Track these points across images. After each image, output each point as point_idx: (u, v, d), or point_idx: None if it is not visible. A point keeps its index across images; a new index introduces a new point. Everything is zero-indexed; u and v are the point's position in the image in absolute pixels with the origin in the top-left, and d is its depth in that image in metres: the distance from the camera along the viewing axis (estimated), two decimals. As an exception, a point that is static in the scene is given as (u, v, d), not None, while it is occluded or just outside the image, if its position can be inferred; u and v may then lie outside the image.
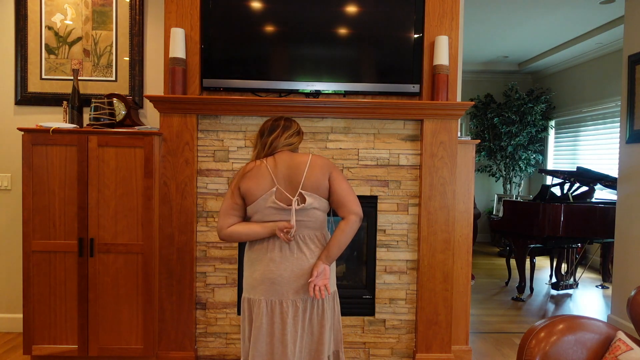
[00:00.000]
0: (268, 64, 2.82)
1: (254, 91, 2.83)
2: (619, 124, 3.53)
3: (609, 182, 4.52)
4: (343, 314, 2.83)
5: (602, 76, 5.76)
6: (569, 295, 4.55)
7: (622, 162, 3.44)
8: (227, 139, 2.79)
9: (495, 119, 6.52)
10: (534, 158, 6.68)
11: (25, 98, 3.13)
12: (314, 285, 1.84)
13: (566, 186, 4.70)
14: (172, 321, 2.76)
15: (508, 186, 6.85)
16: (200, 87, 2.79)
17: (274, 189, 1.85)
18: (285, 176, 1.87)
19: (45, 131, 2.58)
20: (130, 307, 2.67)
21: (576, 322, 1.74)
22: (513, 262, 4.81)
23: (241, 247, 2.80)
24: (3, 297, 3.22)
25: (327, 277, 1.87)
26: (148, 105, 3.09)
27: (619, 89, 4.04)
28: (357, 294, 2.91)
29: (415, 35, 2.80)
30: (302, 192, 1.85)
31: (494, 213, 6.86)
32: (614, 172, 4.61)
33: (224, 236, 1.90)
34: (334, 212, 1.96)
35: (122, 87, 3.12)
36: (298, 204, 1.84)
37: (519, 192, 6.90)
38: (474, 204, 3.83)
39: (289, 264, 1.86)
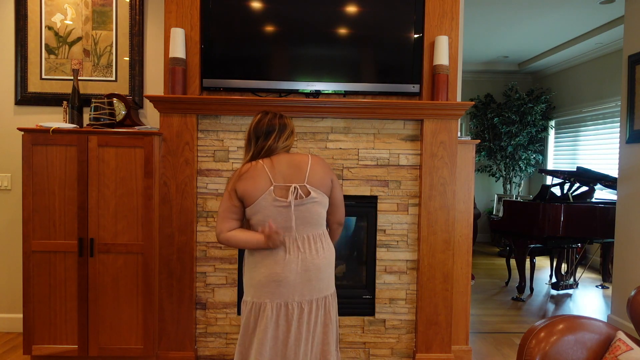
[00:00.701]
0: (268, 64, 2.83)
1: (254, 91, 2.83)
2: (619, 124, 3.53)
3: (609, 182, 4.52)
4: (343, 314, 2.83)
5: (602, 76, 5.76)
6: (569, 295, 4.55)
7: (622, 162, 3.44)
8: (227, 139, 2.79)
9: (495, 119, 6.52)
10: (534, 158, 6.68)
11: (25, 98, 3.13)
12: None
13: (566, 186, 4.70)
14: (172, 321, 2.76)
15: (508, 186, 6.85)
16: (200, 87, 2.79)
17: (272, 187, 1.82)
18: (285, 175, 1.84)
19: (45, 131, 2.58)
20: (130, 307, 2.67)
21: (576, 322, 1.74)
22: (513, 262, 4.81)
23: (241, 247, 2.80)
24: (3, 297, 3.22)
25: None
26: (148, 105, 3.09)
27: (619, 89, 4.03)
28: (357, 294, 2.91)
29: (415, 35, 2.80)
30: (307, 185, 1.84)
31: (494, 213, 6.86)
32: (614, 172, 4.61)
33: (223, 240, 1.87)
34: None
35: (122, 87, 3.12)
36: (297, 196, 1.82)
37: (519, 192, 6.90)
38: (474, 204, 3.83)
39: (293, 265, 1.84)
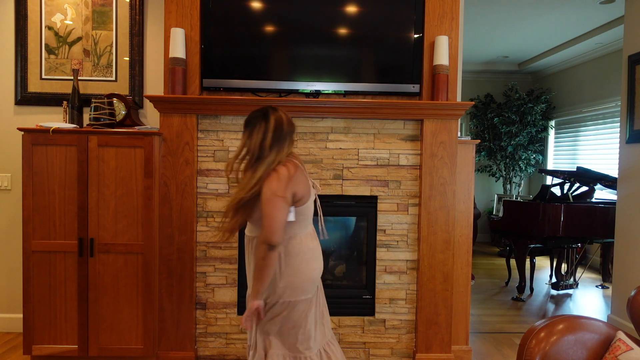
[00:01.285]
0: (268, 64, 2.82)
1: (254, 91, 2.83)
2: (619, 124, 3.53)
3: (609, 182, 4.52)
4: (343, 314, 2.85)
5: (602, 76, 5.76)
6: (569, 295, 4.55)
7: (622, 162, 3.44)
8: (227, 139, 2.79)
9: (495, 119, 6.52)
10: (534, 158, 6.68)
11: (25, 98, 3.13)
12: None
13: (566, 186, 4.70)
14: (172, 321, 2.76)
15: (508, 186, 6.85)
16: (200, 87, 2.79)
17: (311, 184, 1.95)
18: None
19: (45, 131, 2.58)
20: (130, 307, 2.67)
21: (576, 322, 1.74)
22: (513, 262, 4.81)
23: (241, 247, 2.80)
24: (3, 297, 3.22)
25: None
26: (148, 105, 3.09)
27: (619, 89, 4.04)
28: (357, 294, 2.91)
29: (415, 35, 2.80)
30: (312, 181, 2.01)
31: (494, 213, 6.86)
32: (614, 172, 4.61)
33: (275, 254, 1.79)
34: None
35: (122, 87, 3.12)
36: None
37: (519, 192, 6.90)
38: (474, 204, 3.83)
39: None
